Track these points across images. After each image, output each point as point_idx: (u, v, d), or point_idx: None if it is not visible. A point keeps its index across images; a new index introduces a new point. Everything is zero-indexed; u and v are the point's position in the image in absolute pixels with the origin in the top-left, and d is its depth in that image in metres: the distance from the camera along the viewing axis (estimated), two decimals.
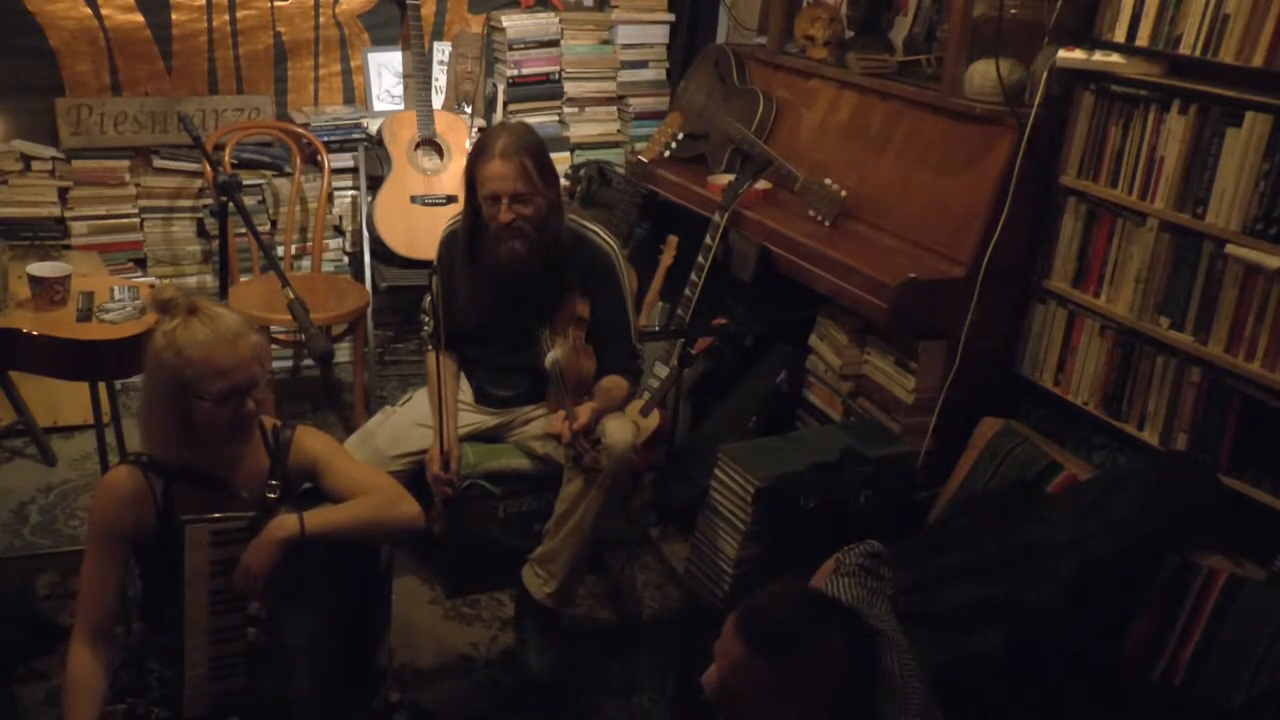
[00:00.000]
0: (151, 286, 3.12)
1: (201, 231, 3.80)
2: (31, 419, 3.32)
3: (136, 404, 3.66)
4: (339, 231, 3.97)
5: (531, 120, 4.01)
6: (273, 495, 1.91)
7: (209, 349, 1.78)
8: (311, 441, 2.01)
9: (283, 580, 1.85)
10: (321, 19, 3.92)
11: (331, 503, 1.95)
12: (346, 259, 4.01)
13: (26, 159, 3.52)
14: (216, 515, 1.83)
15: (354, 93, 4.06)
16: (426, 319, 2.69)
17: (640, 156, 3.65)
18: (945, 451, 2.81)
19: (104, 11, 3.61)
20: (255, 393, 1.85)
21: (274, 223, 3.86)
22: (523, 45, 4.00)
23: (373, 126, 3.87)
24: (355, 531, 1.93)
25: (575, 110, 4.18)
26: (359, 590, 2.03)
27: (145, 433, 1.89)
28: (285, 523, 1.84)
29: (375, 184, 3.77)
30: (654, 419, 3.27)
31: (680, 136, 3.59)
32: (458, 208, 2.72)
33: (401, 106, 4.01)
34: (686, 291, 3.28)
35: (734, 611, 1.53)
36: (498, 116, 4.02)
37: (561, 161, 4.03)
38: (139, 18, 3.66)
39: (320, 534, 1.86)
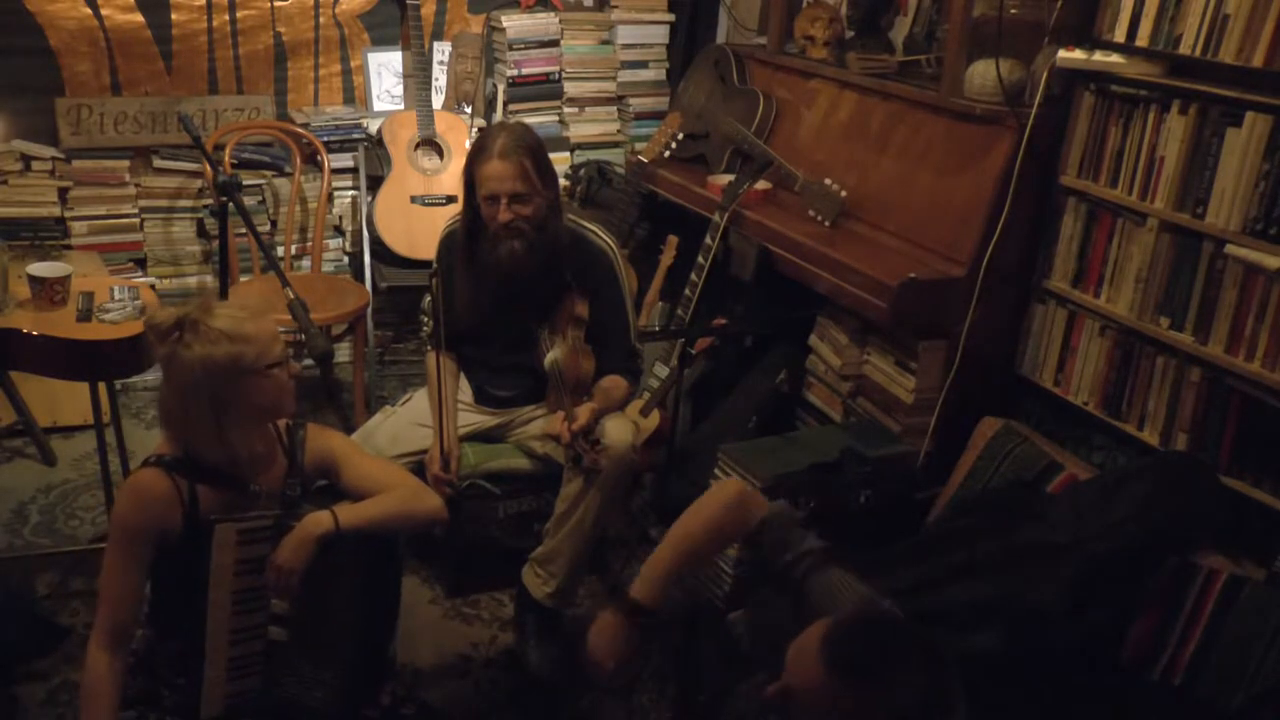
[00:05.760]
0: (152, 287, 3.12)
1: (201, 231, 3.81)
2: (31, 419, 3.32)
3: (138, 405, 3.69)
4: (339, 231, 3.97)
5: (531, 120, 4.01)
6: (293, 493, 1.92)
7: (254, 323, 1.82)
8: (324, 438, 2.02)
9: (312, 576, 1.85)
10: (321, 19, 3.92)
11: (348, 498, 1.96)
12: (346, 259, 4.01)
13: (26, 159, 3.52)
14: (244, 514, 1.83)
15: (354, 93, 4.06)
16: (426, 319, 2.69)
17: (640, 156, 3.65)
18: (945, 451, 2.80)
19: (104, 11, 3.62)
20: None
21: (274, 223, 3.86)
22: (523, 45, 4.00)
23: (373, 126, 3.87)
24: (385, 525, 1.95)
25: (575, 110, 4.18)
26: (378, 584, 2.04)
27: (180, 436, 1.87)
28: (320, 519, 1.86)
29: (375, 184, 3.77)
30: (654, 419, 3.27)
31: (680, 136, 3.59)
32: (457, 208, 2.72)
33: (401, 106, 4.01)
34: (686, 291, 3.28)
35: (821, 631, 1.51)
36: (498, 116, 4.02)
37: (561, 161, 4.03)
38: (139, 18, 3.66)
39: (353, 529, 1.88)
